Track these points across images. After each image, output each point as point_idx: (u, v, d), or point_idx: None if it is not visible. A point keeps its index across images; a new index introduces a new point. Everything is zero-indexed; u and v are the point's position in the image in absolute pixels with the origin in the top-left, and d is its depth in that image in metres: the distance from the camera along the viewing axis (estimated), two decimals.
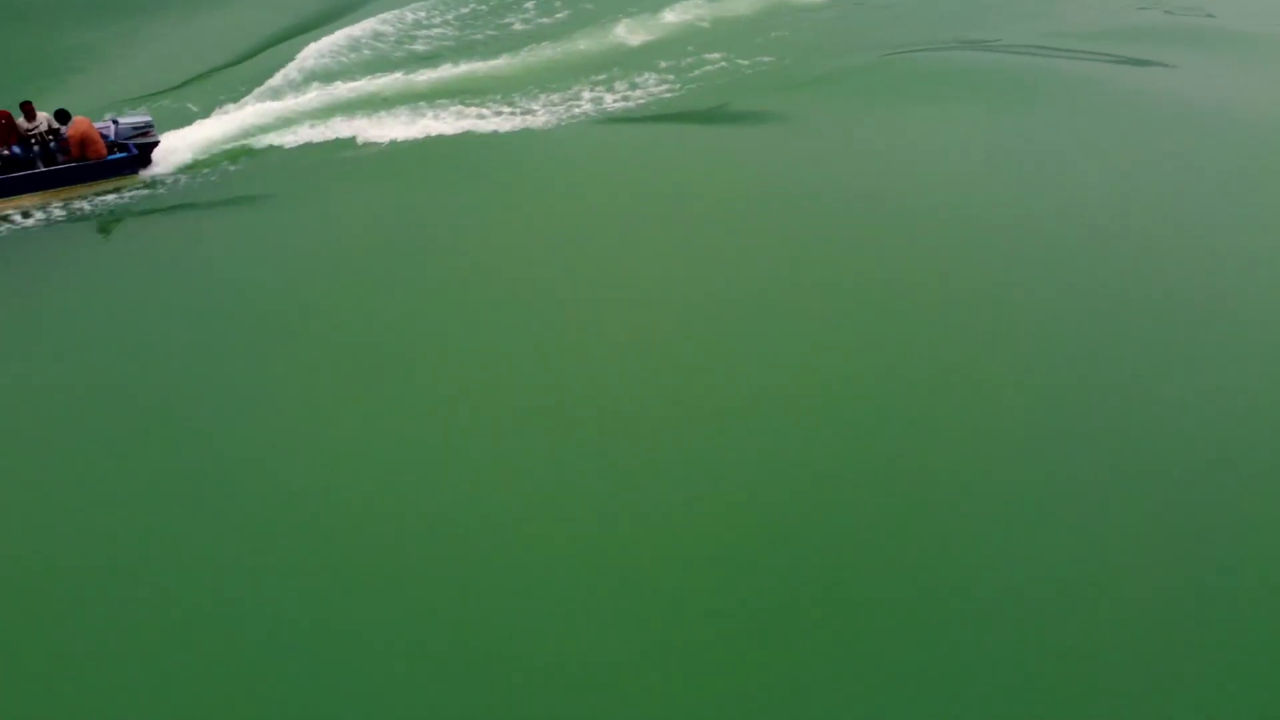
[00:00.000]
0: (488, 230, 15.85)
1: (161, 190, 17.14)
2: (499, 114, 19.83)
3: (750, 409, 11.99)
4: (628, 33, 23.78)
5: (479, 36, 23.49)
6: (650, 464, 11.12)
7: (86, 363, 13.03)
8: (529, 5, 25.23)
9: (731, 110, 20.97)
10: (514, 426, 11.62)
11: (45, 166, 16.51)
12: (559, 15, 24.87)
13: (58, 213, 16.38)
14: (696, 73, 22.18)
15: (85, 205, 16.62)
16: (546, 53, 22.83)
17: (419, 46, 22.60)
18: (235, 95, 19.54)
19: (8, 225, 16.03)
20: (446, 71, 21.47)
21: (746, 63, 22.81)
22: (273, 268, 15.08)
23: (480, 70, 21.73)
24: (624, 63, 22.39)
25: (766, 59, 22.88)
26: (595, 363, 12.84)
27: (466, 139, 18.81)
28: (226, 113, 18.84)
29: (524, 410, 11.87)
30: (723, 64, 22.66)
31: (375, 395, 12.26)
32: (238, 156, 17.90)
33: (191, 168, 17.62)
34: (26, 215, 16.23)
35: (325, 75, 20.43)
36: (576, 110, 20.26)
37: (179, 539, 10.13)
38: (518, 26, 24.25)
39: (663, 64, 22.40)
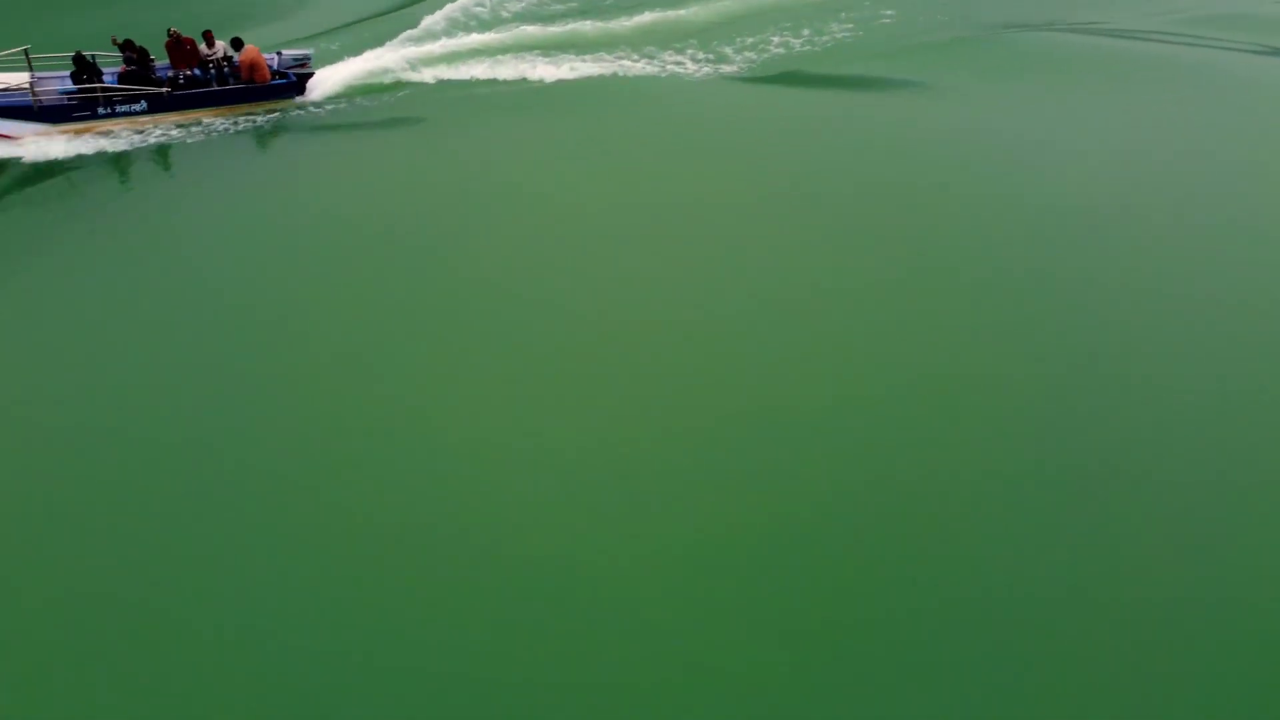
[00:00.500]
0: (596, 161, 17.70)
1: (311, 113, 19.74)
2: (620, 61, 21.90)
3: (831, 401, 11.84)
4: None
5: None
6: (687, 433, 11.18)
7: (219, 247, 15.19)
8: None
9: (840, 77, 22.26)
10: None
11: (219, 87, 19.29)
12: None
13: (224, 125, 19.14)
14: (821, 40, 23.68)
15: (247, 121, 19.32)
16: (656, 15, 24.60)
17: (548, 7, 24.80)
18: (382, 39, 22.10)
19: (184, 132, 18.84)
20: (566, 27, 23.56)
21: (853, 35, 24.12)
22: (386, 184, 17.23)
23: (599, 28, 23.71)
24: (733, 29, 24.00)
25: (881, 26, 24.18)
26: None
27: (584, 83, 20.91)
28: (373, 53, 21.33)
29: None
30: (839, 35, 24.09)
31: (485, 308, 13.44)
32: (378, 90, 20.38)
33: (338, 97, 20.17)
34: (196, 125, 19.04)
35: (460, 26, 22.80)
36: (682, 65, 22.07)
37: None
38: None
39: (786, 25, 24.04)
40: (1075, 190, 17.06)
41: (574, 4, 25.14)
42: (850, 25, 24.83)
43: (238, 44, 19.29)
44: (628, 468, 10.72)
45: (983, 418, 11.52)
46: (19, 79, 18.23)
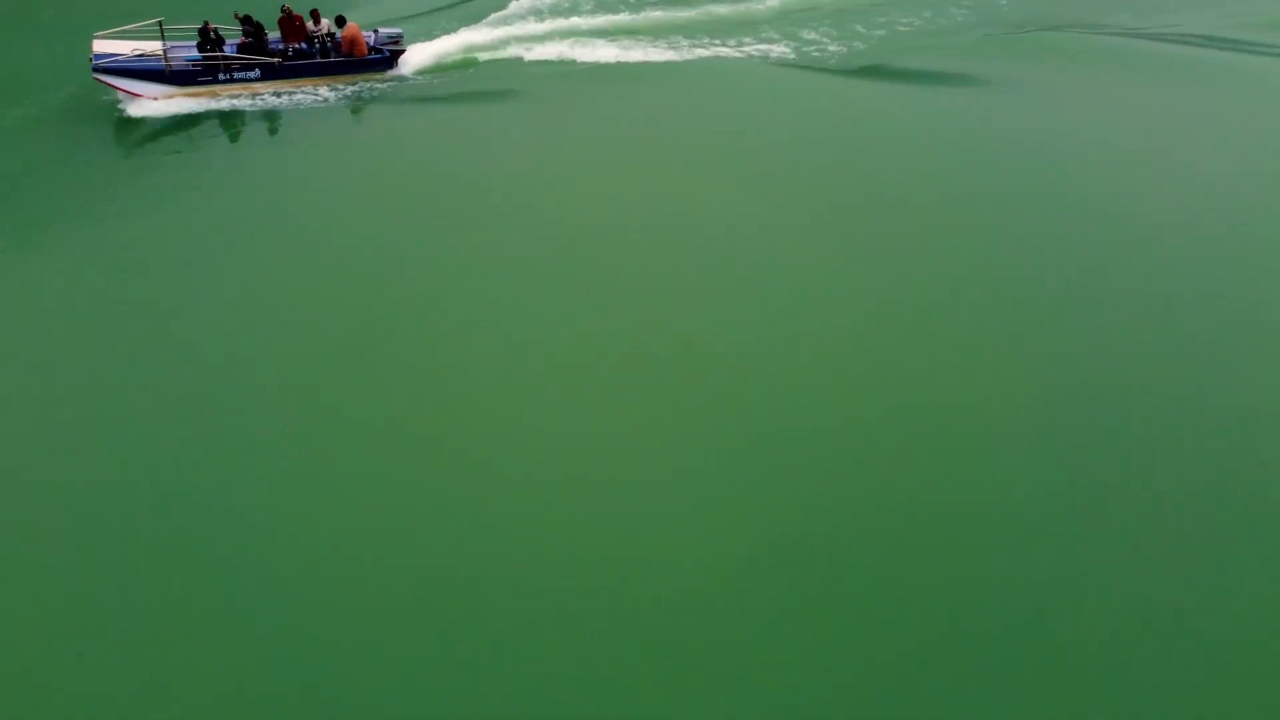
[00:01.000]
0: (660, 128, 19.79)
1: (401, 84, 21.89)
2: (684, 47, 23.56)
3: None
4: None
5: None
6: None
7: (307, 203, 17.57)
8: None
9: (889, 70, 23.38)
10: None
11: (322, 60, 21.57)
12: None
13: (326, 94, 21.43)
14: (877, 32, 24.87)
15: (347, 90, 21.58)
16: (724, 9, 26.06)
17: None
18: (469, 21, 24.15)
19: (290, 99, 21.19)
20: (638, 16, 25.22)
21: (907, 28, 25.21)
22: (465, 151, 19.38)
23: (673, 16, 25.31)
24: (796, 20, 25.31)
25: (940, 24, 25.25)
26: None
27: (646, 66, 22.58)
28: (459, 34, 23.39)
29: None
30: (896, 29, 25.22)
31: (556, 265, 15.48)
32: (461, 66, 22.44)
33: (426, 71, 22.27)
34: (302, 92, 21.38)
35: (543, 11, 24.68)
36: (738, 52, 23.56)
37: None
38: None
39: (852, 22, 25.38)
40: (1107, 194, 18.06)
41: None
42: (913, 20, 25.90)
43: (341, 21, 21.52)
44: (639, 472, 11.55)
45: (996, 429, 12.30)
46: (154, 46, 20.79)
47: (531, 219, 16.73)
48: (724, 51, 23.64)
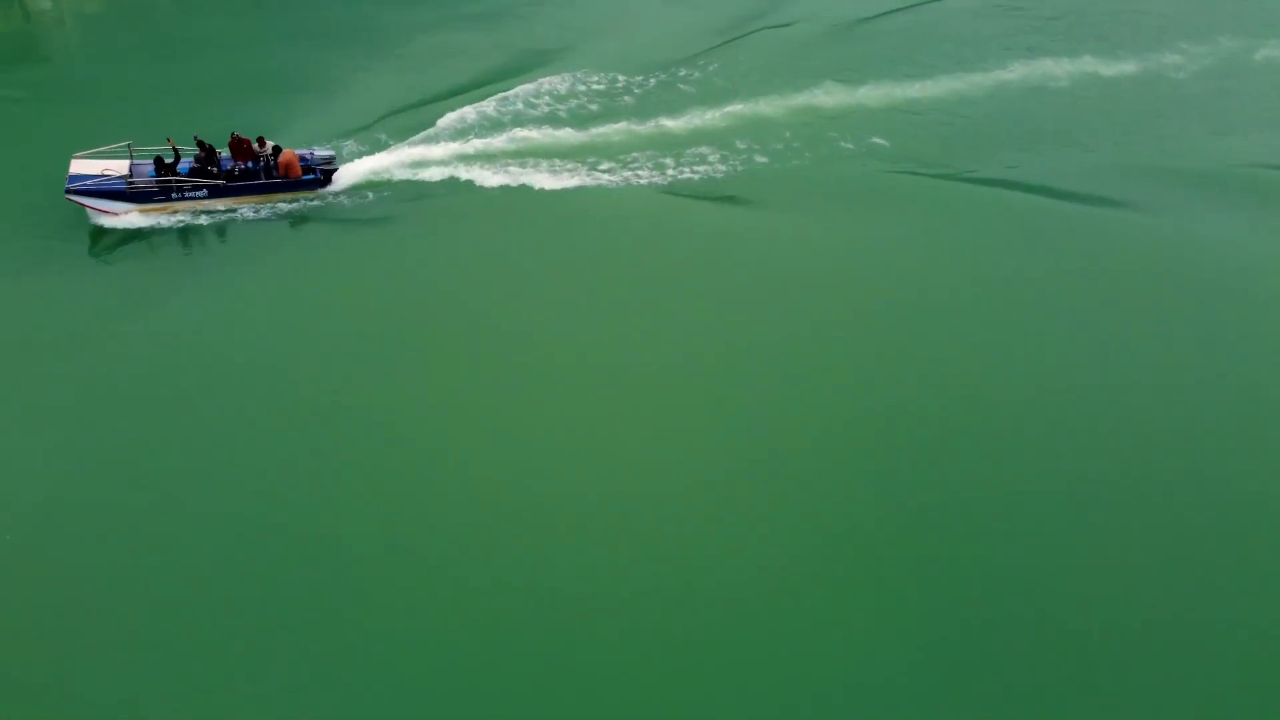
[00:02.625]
0: (546, 274, 23.12)
1: (332, 202, 25.50)
2: (603, 172, 26.92)
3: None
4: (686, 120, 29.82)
5: (594, 108, 30.34)
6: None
7: (256, 315, 21.44)
8: (642, 84, 31.87)
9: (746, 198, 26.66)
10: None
11: (265, 180, 25.22)
12: (672, 93, 31.37)
13: (266, 209, 25.11)
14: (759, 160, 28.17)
15: (283, 207, 25.23)
16: (651, 126, 29.35)
17: (547, 111, 29.84)
18: (396, 139, 27.72)
19: (235, 214, 24.91)
20: (562, 135, 28.54)
21: (774, 160, 28.36)
22: (378, 271, 23.01)
23: (592, 135, 28.61)
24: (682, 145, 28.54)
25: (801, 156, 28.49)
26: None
27: (560, 194, 26.01)
28: (386, 153, 26.94)
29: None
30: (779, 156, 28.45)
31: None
32: (384, 186, 26.01)
33: (354, 190, 25.85)
34: (245, 209, 25.07)
35: (458, 132, 28.12)
36: (648, 178, 26.89)
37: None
38: (627, 99, 30.90)
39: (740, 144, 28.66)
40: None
41: (592, 108, 30.08)
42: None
43: (277, 150, 25.15)
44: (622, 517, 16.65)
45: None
46: (121, 166, 24.55)
47: (448, 331, 21.00)
48: (645, 174, 27.02)
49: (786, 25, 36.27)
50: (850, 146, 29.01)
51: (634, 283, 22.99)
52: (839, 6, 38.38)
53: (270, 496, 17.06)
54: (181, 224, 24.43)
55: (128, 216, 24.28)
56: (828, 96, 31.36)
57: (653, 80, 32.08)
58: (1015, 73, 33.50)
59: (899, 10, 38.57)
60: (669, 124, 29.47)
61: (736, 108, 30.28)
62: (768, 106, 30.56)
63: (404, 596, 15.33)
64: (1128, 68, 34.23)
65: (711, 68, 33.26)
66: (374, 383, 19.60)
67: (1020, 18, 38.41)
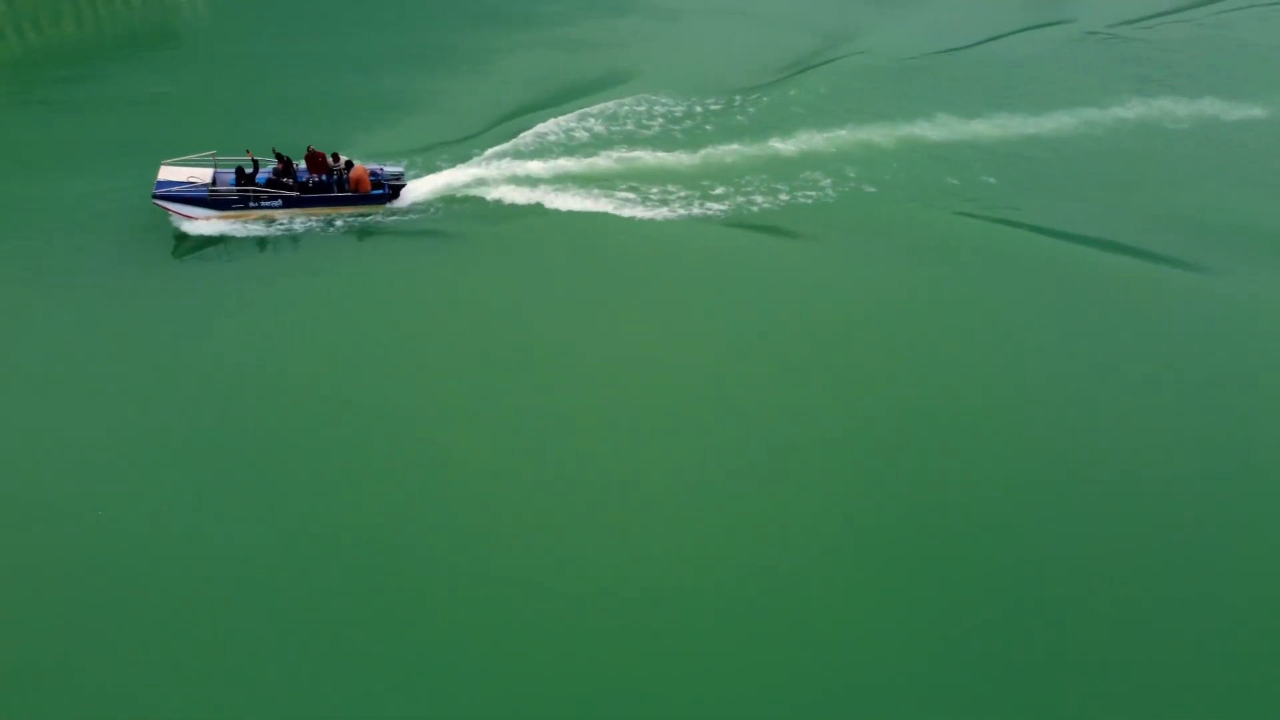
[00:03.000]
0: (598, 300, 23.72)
1: (400, 217, 26.35)
2: (661, 203, 27.19)
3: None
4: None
5: (651, 132, 30.70)
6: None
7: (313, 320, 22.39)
8: (714, 109, 32.09)
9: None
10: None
11: (336, 193, 26.23)
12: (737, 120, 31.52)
13: (337, 221, 26.12)
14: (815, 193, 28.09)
15: (353, 220, 26.20)
16: (709, 156, 29.57)
17: (615, 133, 30.33)
18: (463, 158, 28.51)
19: (308, 224, 25.98)
20: (615, 158, 28.92)
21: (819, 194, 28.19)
22: (440, 282, 23.80)
23: (648, 161, 28.95)
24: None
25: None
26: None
27: (606, 220, 26.29)
28: (455, 170, 27.71)
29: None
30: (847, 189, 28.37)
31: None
32: (451, 202, 26.76)
33: (421, 206, 26.67)
34: (317, 220, 26.12)
35: (529, 152, 28.76)
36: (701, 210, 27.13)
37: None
38: (708, 128, 31.14)
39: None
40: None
41: (639, 135, 30.45)
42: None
43: (349, 165, 26.15)
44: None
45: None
46: (205, 174, 25.87)
47: (502, 349, 21.81)
48: (714, 207, 27.25)
49: (860, 54, 36.20)
50: (917, 179, 28.77)
51: (678, 311, 23.41)
52: (924, 35, 38.14)
53: (317, 499, 17.98)
54: (256, 232, 25.62)
55: (207, 222, 25.55)
56: (930, 128, 31.27)
57: (735, 100, 32.58)
58: (1132, 110, 32.81)
59: (988, 42, 38.10)
60: (739, 151, 29.67)
61: (811, 136, 30.39)
62: (841, 137, 30.51)
63: (470, 612, 16.29)
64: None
65: (792, 92, 33.34)
66: (418, 394, 20.43)
67: (1130, 48, 37.65)
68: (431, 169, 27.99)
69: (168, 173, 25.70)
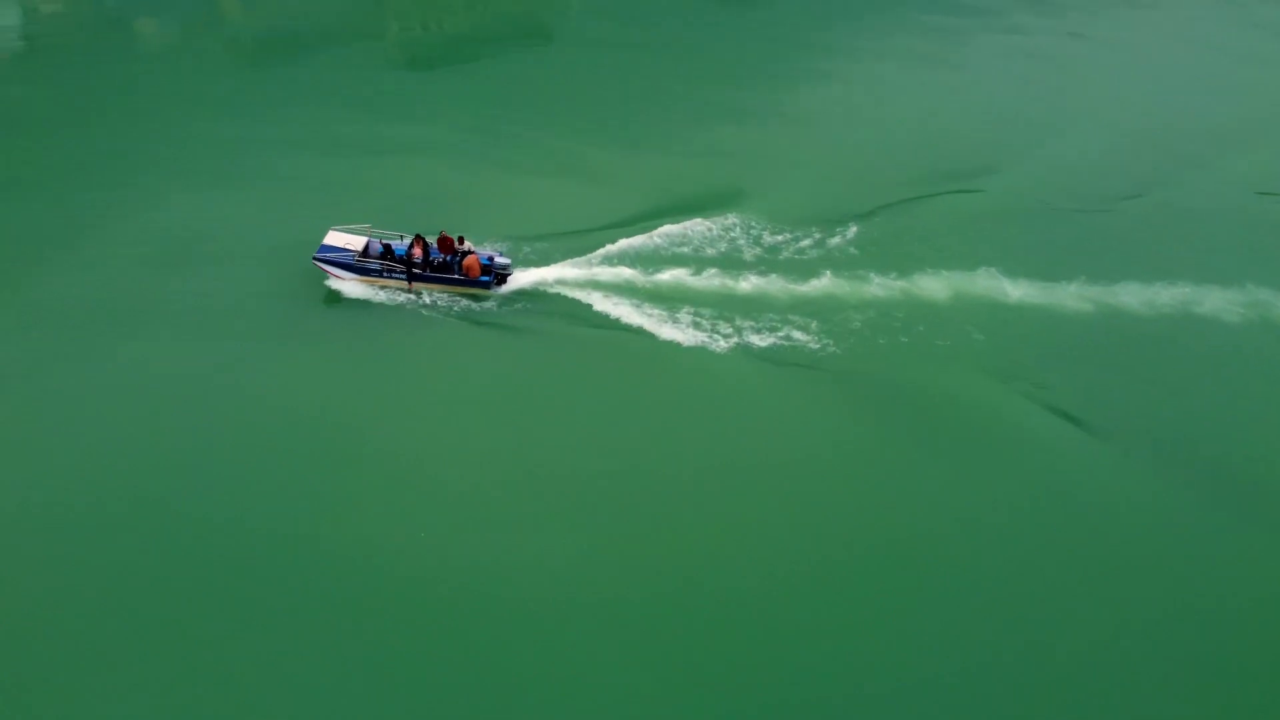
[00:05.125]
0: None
1: (503, 304, 30.90)
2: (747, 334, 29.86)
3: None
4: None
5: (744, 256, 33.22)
6: None
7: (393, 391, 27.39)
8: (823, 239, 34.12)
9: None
10: None
11: (452, 275, 31.17)
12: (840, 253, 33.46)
13: (446, 300, 31.10)
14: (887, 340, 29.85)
15: (461, 301, 31.05)
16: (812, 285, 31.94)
17: (701, 253, 33.20)
18: (564, 256, 32.57)
19: (425, 298, 31.13)
20: (706, 280, 31.84)
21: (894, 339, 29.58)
22: (501, 372, 28.17)
23: (749, 288, 31.62)
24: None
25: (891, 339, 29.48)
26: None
27: (666, 346, 29.32)
28: (556, 267, 31.86)
29: None
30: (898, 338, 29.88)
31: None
32: (538, 298, 30.96)
33: (523, 294, 31.07)
34: (432, 295, 31.22)
35: (623, 260, 32.33)
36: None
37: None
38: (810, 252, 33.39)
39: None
40: None
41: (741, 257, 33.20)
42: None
43: (468, 251, 30.97)
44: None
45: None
46: (359, 241, 31.61)
47: (578, 447, 25.95)
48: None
49: (974, 192, 36.79)
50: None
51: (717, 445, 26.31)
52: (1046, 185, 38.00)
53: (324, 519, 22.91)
54: (387, 299, 31.06)
55: (349, 284, 31.30)
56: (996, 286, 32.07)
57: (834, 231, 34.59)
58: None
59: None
60: (815, 285, 31.77)
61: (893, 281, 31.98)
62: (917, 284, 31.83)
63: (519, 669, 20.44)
64: None
65: (898, 226, 34.80)
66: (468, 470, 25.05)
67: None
68: (546, 260, 32.40)
69: (332, 238, 31.70)
